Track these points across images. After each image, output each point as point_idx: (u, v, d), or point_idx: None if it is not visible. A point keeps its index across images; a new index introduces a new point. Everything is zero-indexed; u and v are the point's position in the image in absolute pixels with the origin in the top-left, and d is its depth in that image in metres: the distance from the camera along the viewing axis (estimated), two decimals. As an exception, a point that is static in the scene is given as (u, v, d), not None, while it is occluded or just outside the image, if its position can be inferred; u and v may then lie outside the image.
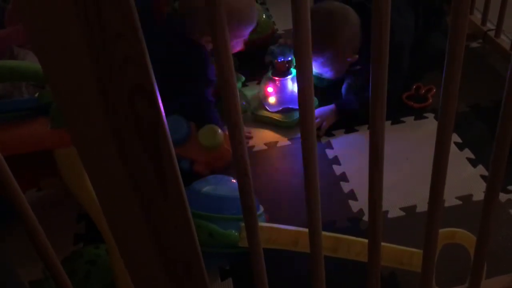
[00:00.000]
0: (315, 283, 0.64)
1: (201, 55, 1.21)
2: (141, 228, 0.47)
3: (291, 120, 1.34)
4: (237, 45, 1.27)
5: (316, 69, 1.34)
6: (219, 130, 1.18)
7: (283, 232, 0.86)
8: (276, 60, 1.31)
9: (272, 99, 1.35)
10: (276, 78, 1.33)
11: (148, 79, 0.40)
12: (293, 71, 1.33)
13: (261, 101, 1.38)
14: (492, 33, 1.52)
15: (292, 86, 1.34)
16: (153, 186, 0.44)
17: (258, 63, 1.46)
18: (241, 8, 1.17)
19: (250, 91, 1.47)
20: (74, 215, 1.15)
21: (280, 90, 1.34)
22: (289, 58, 1.31)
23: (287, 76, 1.32)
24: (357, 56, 1.32)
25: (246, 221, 0.55)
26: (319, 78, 1.40)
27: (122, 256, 0.50)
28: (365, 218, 1.07)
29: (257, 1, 1.82)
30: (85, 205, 0.83)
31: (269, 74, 1.35)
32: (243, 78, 1.50)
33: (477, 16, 1.59)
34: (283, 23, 1.79)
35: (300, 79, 0.47)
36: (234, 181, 1.04)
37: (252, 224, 0.55)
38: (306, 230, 0.58)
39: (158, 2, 1.20)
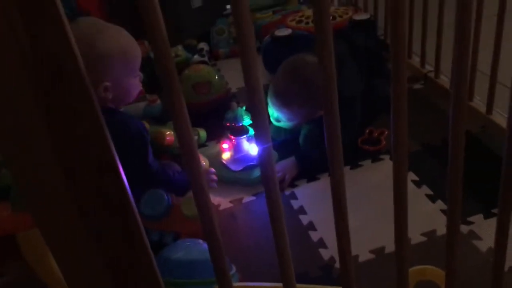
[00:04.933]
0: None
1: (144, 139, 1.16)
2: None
3: (254, 178, 1.35)
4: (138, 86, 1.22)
5: (283, 116, 1.37)
6: None
7: (258, 290, 0.86)
8: (233, 124, 1.35)
9: (226, 155, 1.40)
10: (232, 136, 1.37)
11: (110, 153, 0.40)
12: (251, 130, 1.37)
13: (222, 161, 1.40)
14: (431, 74, 1.62)
15: (247, 144, 1.38)
16: (124, 259, 0.44)
17: (215, 123, 1.48)
18: (129, 42, 1.14)
19: (210, 150, 1.48)
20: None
21: (235, 148, 1.39)
22: (240, 124, 1.35)
23: (243, 135, 1.36)
24: None
25: (219, 283, 0.55)
26: (276, 131, 1.44)
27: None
28: (337, 265, 1.07)
29: (207, 63, 1.87)
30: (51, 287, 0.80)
31: (228, 133, 1.39)
32: (204, 133, 1.52)
33: (415, 60, 1.69)
34: (236, 81, 1.84)
35: (257, 138, 0.49)
36: (203, 242, 1.03)
37: (226, 286, 0.55)
38: (281, 285, 0.58)
39: None
